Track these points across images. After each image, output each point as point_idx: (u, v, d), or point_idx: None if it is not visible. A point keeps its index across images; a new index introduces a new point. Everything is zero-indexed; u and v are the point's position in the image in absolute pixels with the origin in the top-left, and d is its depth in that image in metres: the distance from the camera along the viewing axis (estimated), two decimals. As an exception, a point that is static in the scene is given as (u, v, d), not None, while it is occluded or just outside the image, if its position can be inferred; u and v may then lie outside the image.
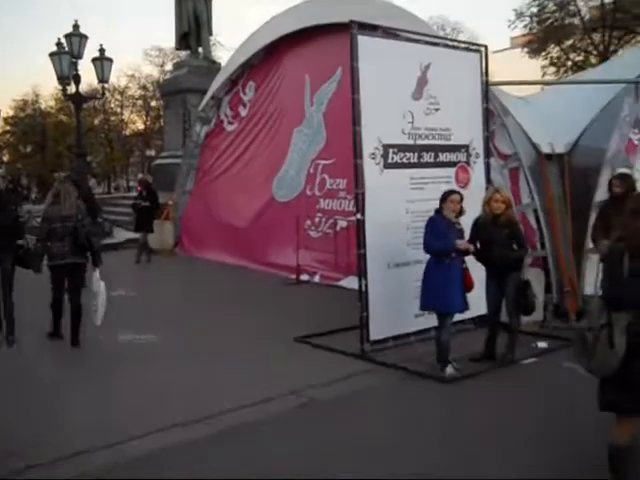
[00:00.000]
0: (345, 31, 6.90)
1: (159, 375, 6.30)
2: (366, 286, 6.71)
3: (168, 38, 27.57)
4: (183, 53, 22.59)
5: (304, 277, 11.27)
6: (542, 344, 7.13)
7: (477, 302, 6.54)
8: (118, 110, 48.05)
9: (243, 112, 13.46)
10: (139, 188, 14.86)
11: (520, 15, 30.05)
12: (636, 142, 8.70)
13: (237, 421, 5.19)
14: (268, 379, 6.13)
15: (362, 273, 6.74)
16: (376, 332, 6.80)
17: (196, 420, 5.17)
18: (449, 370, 6.16)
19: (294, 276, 11.23)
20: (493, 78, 8.31)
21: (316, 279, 11.17)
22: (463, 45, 8.32)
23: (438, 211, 6.25)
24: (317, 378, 6.12)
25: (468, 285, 6.23)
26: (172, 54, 37.81)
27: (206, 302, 9.67)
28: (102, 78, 18.16)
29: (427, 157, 7.35)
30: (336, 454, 4.58)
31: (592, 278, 7.92)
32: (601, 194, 8.18)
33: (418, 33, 7.65)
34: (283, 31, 12.01)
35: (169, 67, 36.18)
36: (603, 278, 3.77)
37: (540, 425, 5.04)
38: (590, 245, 7.90)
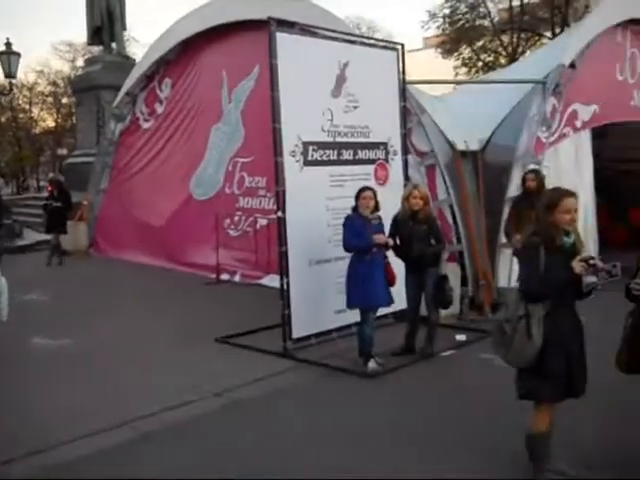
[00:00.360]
0: (263, 28, 6.87)
1: (77, 380, 6.09)
2: (287, 284, 6.70)
3: (80, 33, 26.71)
4: (96, 48, 21.92)
5: (224, 276, 11.14)
6: (460, 337, 7.31)
7: (397, 297, 6.64)
8: (27, 107, 46.11)
9: (159, 109, 13.17)
10: (49, 188, 14.31)
11: (433, 16, 30.78)
12: (544, 140, 9.06)
13: (160, 424, 5.08)
14: (190, 381, 6.02)
15: (283, 271, 6.72)
16: (298, 330, 6.80)
17: (118, 425, 5.03)
18: (371, 365, 6.23)
19: (214, 276, 11.09)
20: (408, 77, 8.45)
21: (236, 278, 11.07)
22: (380, 44, 8.42)
23: (354, 209, 6.31)
24: (240, 378, 6.07)
25: (391, 279, 6.33)
26: (84, 49, 36.61)
27: (123, 304, 9.39)
28: (9, 73, 17.35)
29: (346, 154, 7.40)
30: (261, 453, 4.55)
31: (505, 271, 8.35)
32: (513, 190, 8.50)
33: (336, 31, 7.69)
34: (199, 27, 11.82)
35: (80, 63, 34.99)
36: (519, 271, 3.88)
37: (460, 415, 5.16)
38: (503, 239, 8.20)
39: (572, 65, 9.49)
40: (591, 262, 3.70)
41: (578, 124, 9.80)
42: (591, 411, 4.65)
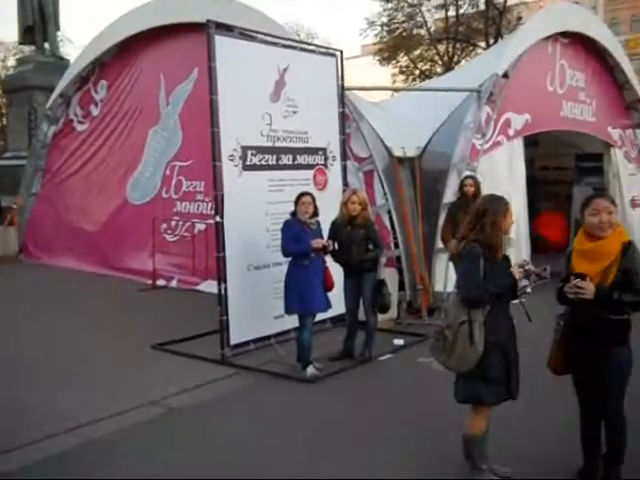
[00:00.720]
0: (202, 31, 6.78)
1: (7, 391, 5.85)
2: (225, 289, 6.63)
3: (11, 31, 25.86)
4: (27, 48, 21.25)
5: (161, 282, 10.94)
6: (398, 341, 7.39)
7: (335, 302, 6.66)
8: (-47, 107, 44.39)
9: (95, 111, 12.87)
10: (-22, 191, 13.79)
11: (371, 24, 31.18)
12: (478, 147, 9.27)
13: (95, 435, 4.94)
14: (125, 390, 5.88)
15: (221, 276, 6.65)
16: (236, 336, 6.73)
17: (49, 436, 4.86)
18: (310, 370, 6.22)
19: (150, 281, 10.89)
20: (346, 83, 8.51)
21: (173, 284, 10.89)
22: (320, 50, 8.46)
23: (293, 214, 6.30)
24: (176, 386, 5.96)
25: (329, 284, 6.34)
26: (14, 48, 35.48)
27: (52, 311, 9.09)
28: None
29: (285, 159, 7.38)
30: (197, 462, 4.47)
31: (442, 276, 8.48)
32: (449, 196, 8.66)
33: (275, 36, 7.68)
34: (136, 29, 11.62)
35: (12, 62, 33.91)
36: (458, 278, 3.92)
37: (396, 418, 5.20)
38: (440, 244, 8.33)
39: (505, 75, 9.74)
40: (526, 267, 3.84)
41: (511, 132, 10.06)
42: (524, 411, 4.75)
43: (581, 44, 11.90)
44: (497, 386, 3.87)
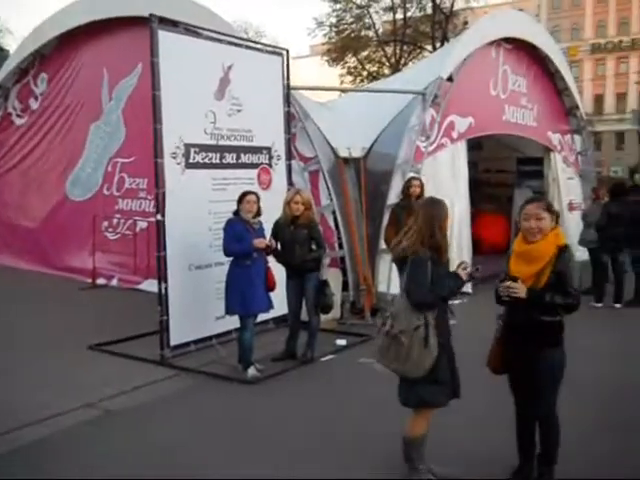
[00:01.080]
0: (146, 25, 6.64)
1: None
2: (166, 289, 6.52)
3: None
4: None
5: (101, 281, 10.71)
6: (341, 341, 7.39)
7: (278, 302, 6.62)
8: None
9: (34, 105, 12.49)
10: None
11: (320, 24, 31.28)
12: (423, 149, 9.36)
13: (29, 438, 4.77)
14: (61, 391, 5.73)
15: (162, 276, 6.53)
16: (177, 336, 6.63)
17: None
18: (251, 371, 6.16)
19: (90, 280, 10.64)
20: (295, 83, 8.48)
21: (114, 283, 10.67)
22: (266, 48, 8.40)
23: (235, 213, 6.23)
24: (114, 388, 5.83)
25: (271, 285, 6.29)
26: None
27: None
28: None
29: (229, 158, 7.31)
30: (135, 465, 4.38)
31: (385, 276, 8.53)
32: (393, 197, 8.72)
33: (221, 33, 7.58)
34: (78, 21, 11.32)
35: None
36: (409, 282, 3.86)
37: (336, 418, 5.20)
38: (383, 245, 8.38)
39: (450, 78, 9.87)
40: (468, 270, 3.95)
41: (455, 135, 10.19)
42: (464, 411, 4.80)
43: (524, 50, 12.14)
44: (446, 387, 3.91)
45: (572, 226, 11.69)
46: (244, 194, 6.25)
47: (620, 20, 58.20)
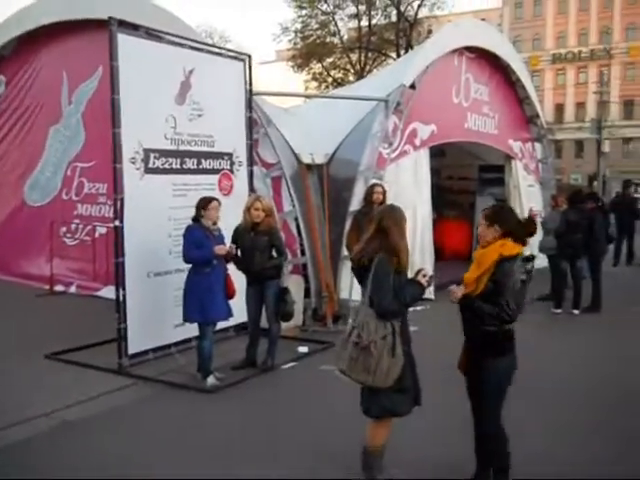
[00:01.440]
0: (107, 28, 6.53)
1: None
2: (124, 296, 6.39)
3: None
4: None
5: (59, 288, 10.50)
6: (302, 348, 7.35)
7: (238, 309, 6.55)
8: None
9: (-8, 107, 12.22)
10: None
11: (285, 30, 31.29)
12: (385, 156, 9.39)
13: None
14: (16, 401, 5.59)
15: (120, 283, 6.41)
16: (135, 345, 6.50)
17: None
18: (210, 380, 6.07)
19: (48, 287, 10.42)
20: (259, 88, 8.43)
21: (72, 289, 10.46)
22: (228, 53, 8.33)
23: (195, 219, 6.14)
24: (70, 398, 5.69)
25: (230, 292, 6.22)
26: None
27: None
28: None
29: (190, 163, 7.22)
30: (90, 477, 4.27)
31: (347, 283, 8.51)
32: (356, 203, 8.71)
33: (183, 37, 7.50)
34: (37, 22, 11.09)
35: None
36: (374, 291, 3.80)
37: (296, 426, 5.15)
38: (346, 252, 8.36)
39: (412, 86, 9.92)
40: (428, 277, 3.94)
41: (418, 142, 10.25)
42: (424, 417, 4.80)
43: (486, 59, 12.30)
44: (409, 395, 3.89)
45: (532, 233, 11.82)
46: (209, 200, 6.16)
47: (579, 31, 59.44)
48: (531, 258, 3.93)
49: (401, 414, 3.92)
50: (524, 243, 3.86)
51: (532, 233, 3.94)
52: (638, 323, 8.86)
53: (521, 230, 3.87)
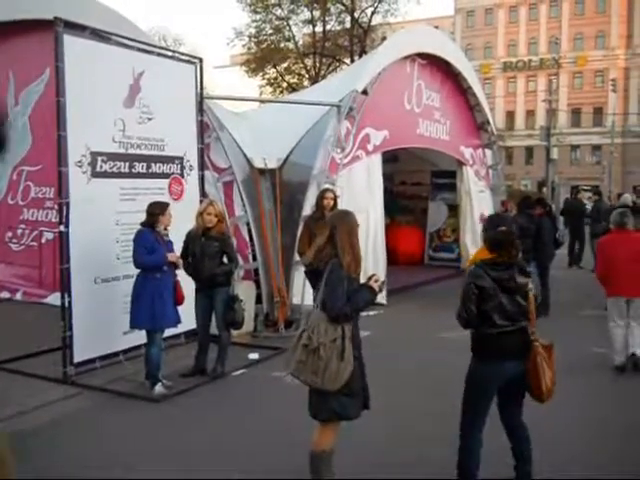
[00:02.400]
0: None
1: None
2: (69, 303, 6.23)
3: None
4: None
5: (4, 295, 10.20)
6: (253, 355, 7.27)
7: (188, 316, 6.45)
8: None
9: None
10: None
11: (239, 34, 31.16)
12: (338, 161, 9.39)
13: None
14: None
15: (65, 289, 6.25)
16: (81, 353, 6.33)
17: None
18: (158, 388, 5.96)
19: (-7, 293, 10.13)
20: (214, 93, 8.35)
21: (18, 296, 10.18)
22: (179, 56, 8.23)
23: (145, 224, 6.03)
24: (12, 408, 5.51)
25: (179, 298, 6.12)
26: None
27: None
28: None
29: (139, 167, 7.09)
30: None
31: (299, 289, 8.48)
32: (308, 208, 8.68)
33: (132, 39, 7.37)
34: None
35: None
36: (327, 295, 3.80)
37: (245, 434, 5.09)
38: (298, 257, 8.32)
39: (365, 91, 9.96)
40: (379, 282, 3.94)
41: (370, 147, 10.29)
42: (375, 422, 4.80)
43: (438, 66, 12.44)
44: (358, 399, 3.88)
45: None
46: (166, 206, 6.07)
47: (529, 40, 60.83)
48: (505, 265, 3.97)
49: (349, 418, 3.90)
50: (492, 250, 3.95)
51: (497, 242, 3.98)
52: (586, 327, 8.99)
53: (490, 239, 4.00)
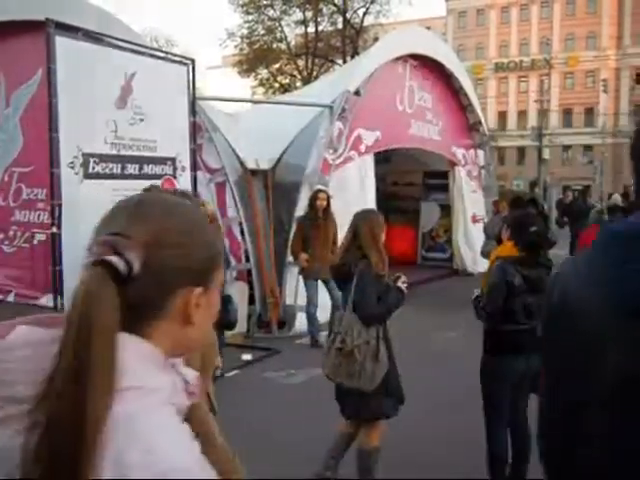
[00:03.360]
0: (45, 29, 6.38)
1: None
2: (62, 305, 6.23)
3: None
4: None
5: (-4, 296, 10.17)
6: (246, 356, 7.28)
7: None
8: None
9: None
10: None
11: (231, 35, 31.15)
12: (330, 162, 9.41)
13: None
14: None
15: (58, 291, 6.25)
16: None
17: None
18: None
19: (-15, 295, 10.08)
20: (206, 93, 8.37)
21: (10, 298, 10.14)
22: (171, 57, 8.23)
23: None
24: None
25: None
26: None
27: None
28: None
29: (131, 168, 7.09)
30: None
31: (292, 289, 8.50)
32: (301, 209, 8.69)
33: (123, 40, 7.37)
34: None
35: None
36: (359, 296, 3.84)
37: (241, 434, 5.08)
38: (290, 258, 8.34)
39: (357, 92, 9.98)
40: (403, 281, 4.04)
41: (362, 148, 10.31)
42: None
43: (430, 67, 12.48)
44: (395, 398, 3.92)
45: (475, 236, 12.05)
46: None
47: (521, 41, 61.08)
48: (534, 265, 3.89)
49: (388, 416, 3.95)
50: (524, 250, 3.89)
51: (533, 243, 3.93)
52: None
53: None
